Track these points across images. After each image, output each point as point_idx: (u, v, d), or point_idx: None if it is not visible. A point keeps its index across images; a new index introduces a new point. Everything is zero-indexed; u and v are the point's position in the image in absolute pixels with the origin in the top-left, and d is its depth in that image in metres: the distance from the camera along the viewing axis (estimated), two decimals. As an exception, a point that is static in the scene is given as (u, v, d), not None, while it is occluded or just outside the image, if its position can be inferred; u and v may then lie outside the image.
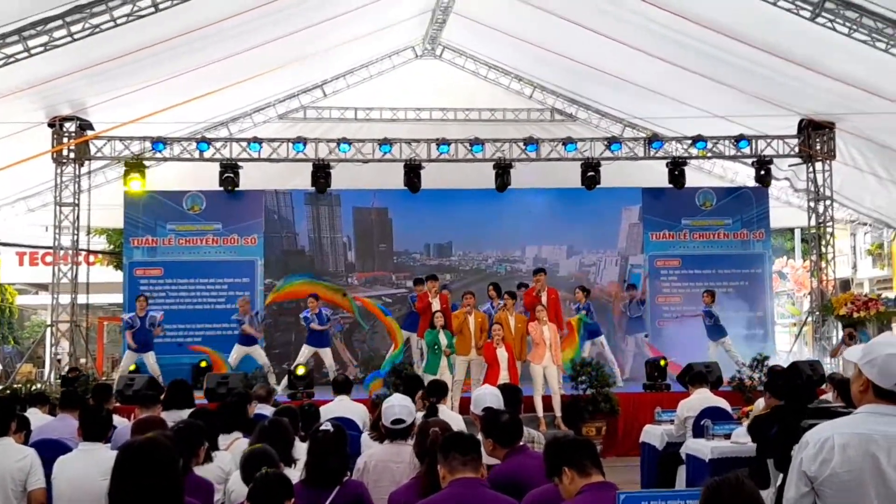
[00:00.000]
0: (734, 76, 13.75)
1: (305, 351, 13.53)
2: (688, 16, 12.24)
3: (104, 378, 15.54)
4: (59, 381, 13.16)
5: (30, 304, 28.03)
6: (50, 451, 5.98)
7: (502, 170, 15.25)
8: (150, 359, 13.45)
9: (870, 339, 10.68)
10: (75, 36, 10.98)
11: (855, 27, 10.88)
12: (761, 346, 14.38)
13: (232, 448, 5.44)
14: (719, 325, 14.01)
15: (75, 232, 14.84)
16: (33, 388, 12.47)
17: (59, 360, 15.63)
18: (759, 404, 7.75)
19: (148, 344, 13.53)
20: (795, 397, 5.28)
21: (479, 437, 4.73)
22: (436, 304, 12.72)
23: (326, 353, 13.61)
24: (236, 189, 15.13)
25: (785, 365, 11.67)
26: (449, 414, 6.79)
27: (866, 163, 15.35)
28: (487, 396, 5.36)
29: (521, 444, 4.55)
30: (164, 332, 14.01)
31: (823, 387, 9.91)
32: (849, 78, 12.54)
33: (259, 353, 13.78)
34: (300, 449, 5.04)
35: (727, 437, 7.67)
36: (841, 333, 14.26)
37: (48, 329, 15.67)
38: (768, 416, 5.64)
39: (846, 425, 2.86)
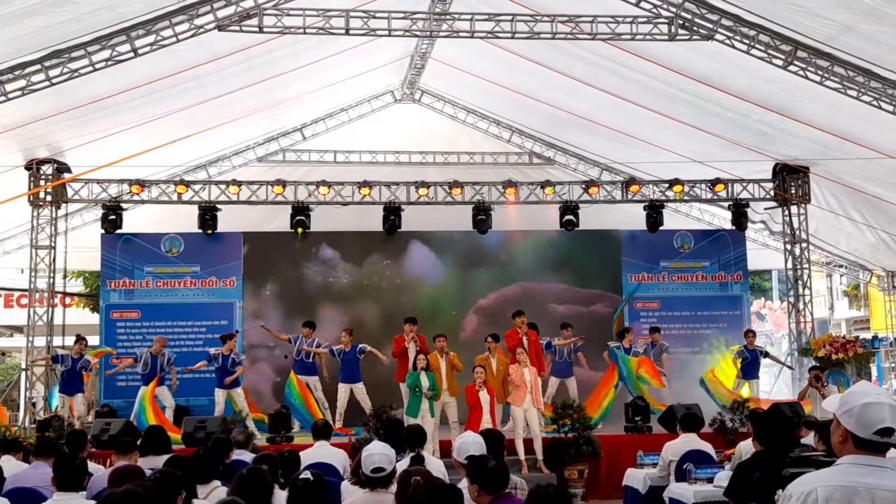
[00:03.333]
0: (710, 122, 13.96)
1: (220, 395, 13.22)
2: (664, 63, 12.45)
3: (79, 422, 15.30)
4: (34, 426, 12.97)
5: (4, 346, 27.72)
6: (24, 500, 5.91)
7: (482, 212, 15.32)
8: (77, 402, 13.33)
9: (848, 381, 10.77)
10: (53, 80, 10.96)
11: (826, 75, 11.09)
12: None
13: (210, 497, 5.36)
14: (757, 365, 14.10)
15: (51, 274, 14.72)
16: (6, 432, 12.27)
17: (33, 404, 15.41)
18: (745, 447, 7.74)
19: (75, 386, 13.46)
20: (778, 443, 5.30)
21: (462, 483, 4.71)
22: (412, 348, 12.65)
23: (239, 394, 13.37)
24: (215, 231, 15.10)
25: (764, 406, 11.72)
26: (430, 460, 6.74)
27: (841, 207, 15.58)
28: (471, 444, 5.33)
29: (506, 491, 4.51)
30: (91, 377, 13.89)
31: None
32: (822, 124, 12.77)
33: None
34: (280, 497, 4.98)
35: (710, 480, 7.67)
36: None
37: (23, 372, 15.46)
38: (751, 461, 5.64)
39: (829, 477, 2.86)
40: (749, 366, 14.11)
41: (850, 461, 2.86)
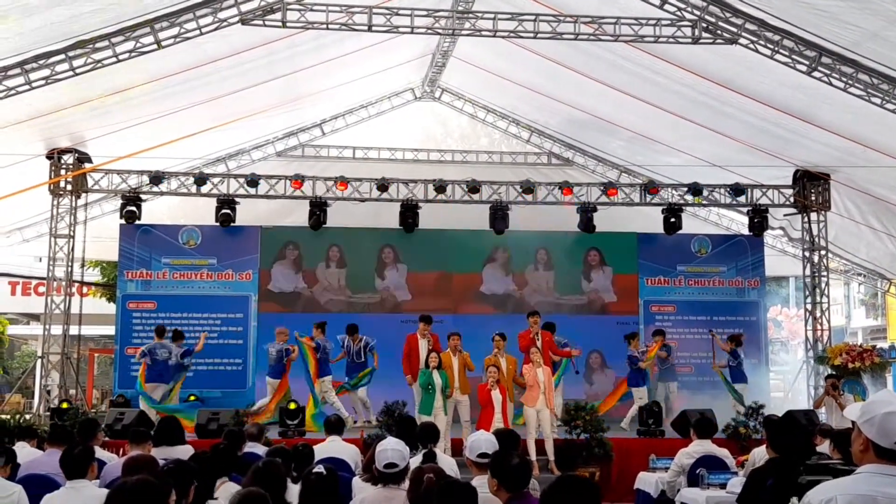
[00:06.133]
0: (731, 126, 13.88)
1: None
2: (685, 66, 12.39)
3: (94, 411, 15.43)
4: (48, 413, 13.05)
5: (21, 334, 27.94)
6: (38, 487, 5.93)
7: (500, 212, 15.29)
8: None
9: (864, 390, 10.64)
10: (77, 70, 11.04)
11: (851, 82, 11.01)
12: (756, 393, 14.31)
13: (220, 491, 5.34)
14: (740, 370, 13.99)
15: (69, 263, 14.81)
16: (21, 419, 12.36)
17: (48, 392, 15.52)
18: (759, 454, 7.69)
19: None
20: (792, 451, 5.27)
21: (475, 481, 4.69)
22: (424, 345, 12.60)
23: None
24: (232, 224, 15.15)
25: (779, 413, 11.65)
26: (442, 458, 6.73)
27: (861, 214, 15.47)
28: (483, 443, 5.32)
29: (525, 490, 4.50)
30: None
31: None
32: (844, 131, 12.67)
33: None
34: (293, 491, 4.98)
35: (722, 486, 7.62)
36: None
37: (39, 360, 15.55)
38: (764, 468, 5.61)
39: (849, 486, 2.83)
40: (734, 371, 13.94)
41: (871, 470, 2.83)
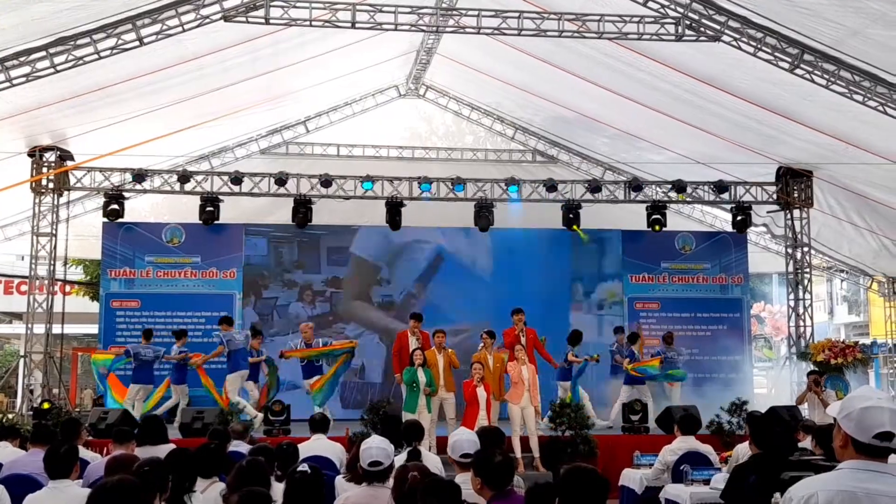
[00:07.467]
0: (714, 123, 13.94)
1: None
2: (670, 63, 12.43)
3: (77, 410, 15.33)
4: (31, 413, 12.97)
5: (3, 333, 27.78)
6: (20, 487, 5.89)
7: (484, 209, 15.30)
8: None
9: (846, 386, 10.71)
10: (58, 67, 10.96)
11: (833, 79, 11.07)
12: (739, 389, 14.39)
13: (208, 491, 5.31)
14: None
15: (52, 262, 14.72)
16: (4, 419, 12.29)
17: (31, 391, 15.42)
18: (742, 450, 7.74)
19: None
20: (775, 447, 5.29)
21: (458, 478, 4.70)
22: (414, 343, 12.61)
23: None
24: (216, 222, 15.09)
25: (762, 409, 11.72)
26: (427, 455, 6.73)
27: (843, 211, 15.56)
28: (465, 443, 5.32)
29: (509, 487, 4.51)
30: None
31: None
32: (826, 128, 12.75)
33: None
34: (276, 489, 4.96)
35: (706, 482, 7.66)
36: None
37: (21, 359, 15.46)
38: (747, 464, 5.64)
39: (830, 482, 2.85)
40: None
41: (852, 466, 2.84)
